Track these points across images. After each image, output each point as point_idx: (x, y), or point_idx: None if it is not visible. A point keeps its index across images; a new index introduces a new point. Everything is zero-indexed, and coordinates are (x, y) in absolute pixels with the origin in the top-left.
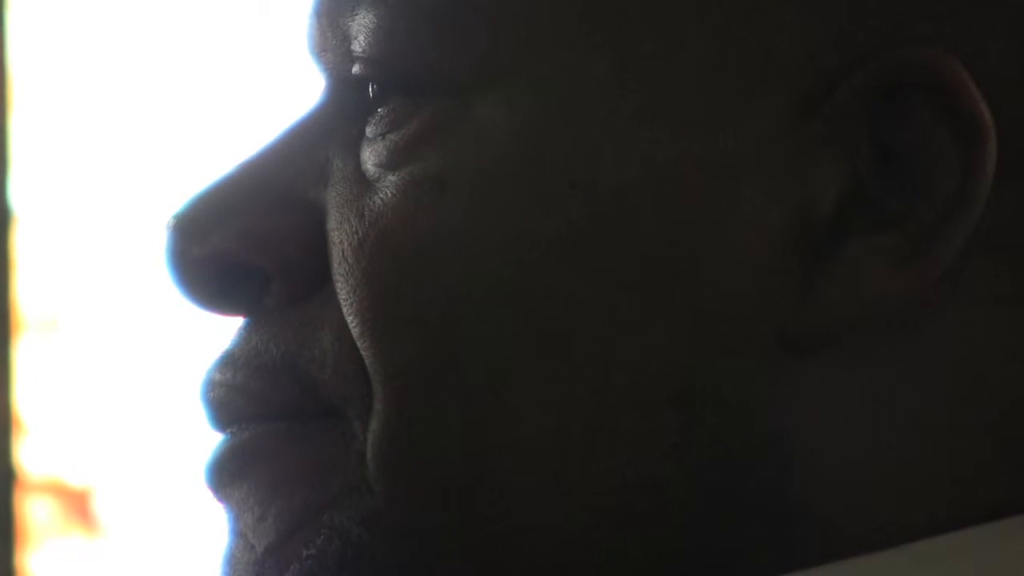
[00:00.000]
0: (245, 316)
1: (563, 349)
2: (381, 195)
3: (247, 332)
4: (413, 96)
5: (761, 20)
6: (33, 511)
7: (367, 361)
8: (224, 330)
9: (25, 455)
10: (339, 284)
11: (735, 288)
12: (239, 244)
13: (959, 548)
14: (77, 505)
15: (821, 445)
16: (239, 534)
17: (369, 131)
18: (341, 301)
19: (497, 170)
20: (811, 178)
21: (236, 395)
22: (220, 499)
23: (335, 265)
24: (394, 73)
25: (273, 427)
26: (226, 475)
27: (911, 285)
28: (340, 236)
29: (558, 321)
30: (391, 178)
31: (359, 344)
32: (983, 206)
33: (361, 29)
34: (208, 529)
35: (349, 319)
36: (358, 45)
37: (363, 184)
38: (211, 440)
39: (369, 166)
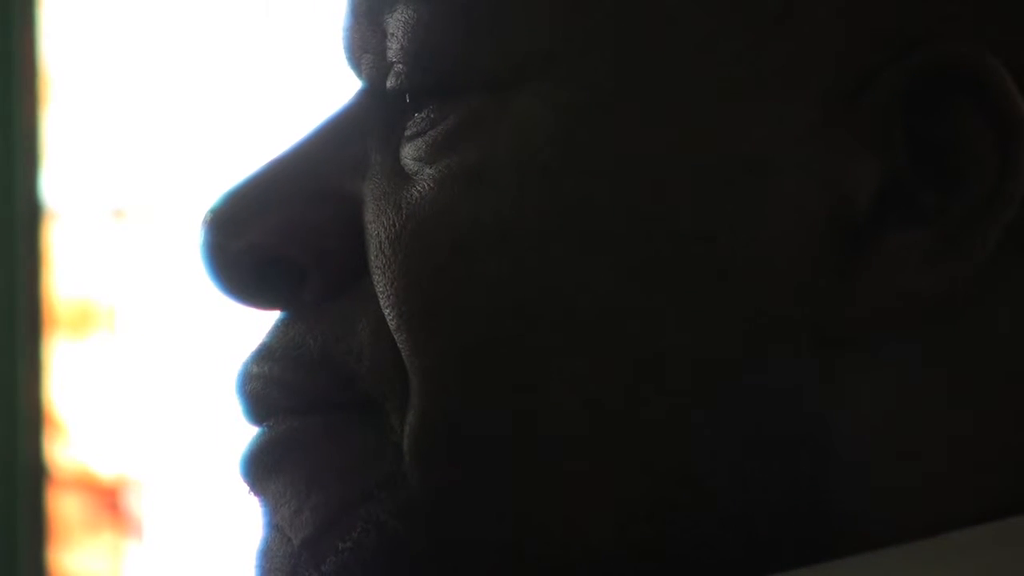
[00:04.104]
0: (282, 309)
1: (598, 343)
2: (419, 188)
3: (284, 325)
4: (451, 93)
5: (797, 16)
6: (64, 507)
7: (404, 354)
8: (261, 324)
9: (56, 451)
10: (376, 277)
11: (771, 283)
12: (276, 238)
13: (988, 541)
14: (108, 501)
15: (854, 440)
16: (275, 527)
17: (408, 131)
18: (378, 294)
19: (533, 164)
20: (848, 173)
21: (273, 388)
22: (256, 492)
23: (372, 258)
24: (432, 74)
25: (310, 420)
26: (262, 468)
27: (946, 281)
28: (377, 229)
29: (593, 315)
30: (428, 171)
31: (396, 337)
32: (1019, 203)
33: (400, 25)
34: (242, 524)
35: (386, 312)
36: (396, 42)
37: (401, 177)
38: (246, 433)
39: (408, 160)
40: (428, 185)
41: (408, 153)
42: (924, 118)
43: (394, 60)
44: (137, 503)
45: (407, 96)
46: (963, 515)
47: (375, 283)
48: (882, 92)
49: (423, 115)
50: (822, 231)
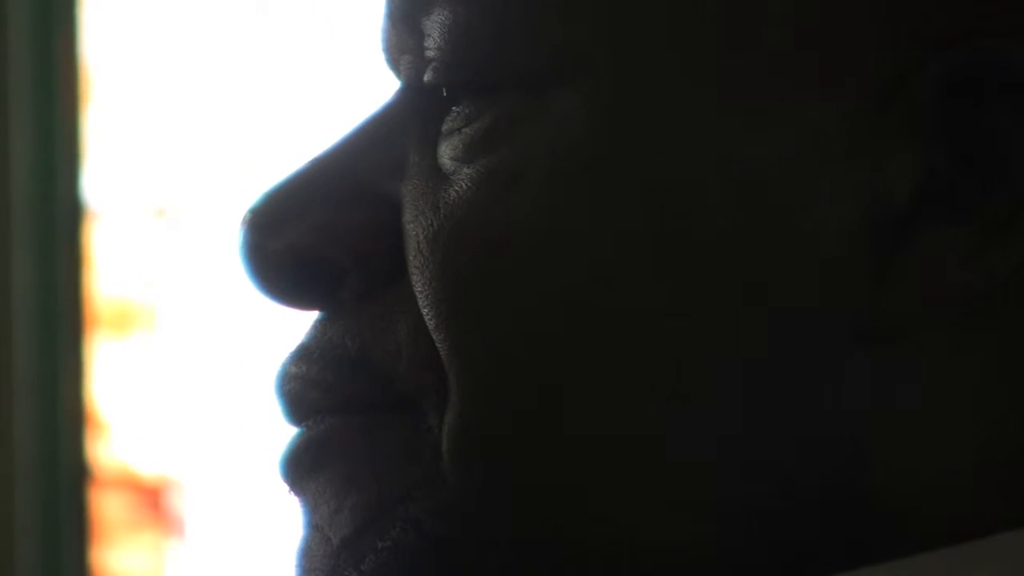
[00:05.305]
0: (320, 310)
1: (635, 343)
2: (456, 188)
3: (322, 325)
4: (488, 90)
5: (834, 12)
6: (107, 507)
7: (442, 353)
8: (300, 324)
9: (98, 451)
10: (415, 277)
11: (809, 282)
12: (315, 238)
13: None
14: (150, 500)
15: (894, 437)
16: (315, 527)
17: (445, 128)
18: (416, 294)
19: (570, 164)
20: (885, 170)
21: (311, 388)
22: (296, 492)
23: (410, 258)
24: (469, 70)
25: (348, 420)
26: (302, 468)
27: (984, 278)
28: (415, 229)
29: (630, 315)
30: (466, 171)
31: (434, 336)
32: None
33: (436, 26)
34: (282, 523)
35: (424, 311)
36: (433, 42)
37: (439, 177)
38: (286, 433)
39: (445, 160)
40: (465, 185)
41: (445, 152)
42: (962, 115)
43: (432, 58)
44: (179, 502)
45: (444, 91)
46: (1012, 514)
47: (413, 283)
48: (920, 89)
49: (460, 111)
50: (859, 228)
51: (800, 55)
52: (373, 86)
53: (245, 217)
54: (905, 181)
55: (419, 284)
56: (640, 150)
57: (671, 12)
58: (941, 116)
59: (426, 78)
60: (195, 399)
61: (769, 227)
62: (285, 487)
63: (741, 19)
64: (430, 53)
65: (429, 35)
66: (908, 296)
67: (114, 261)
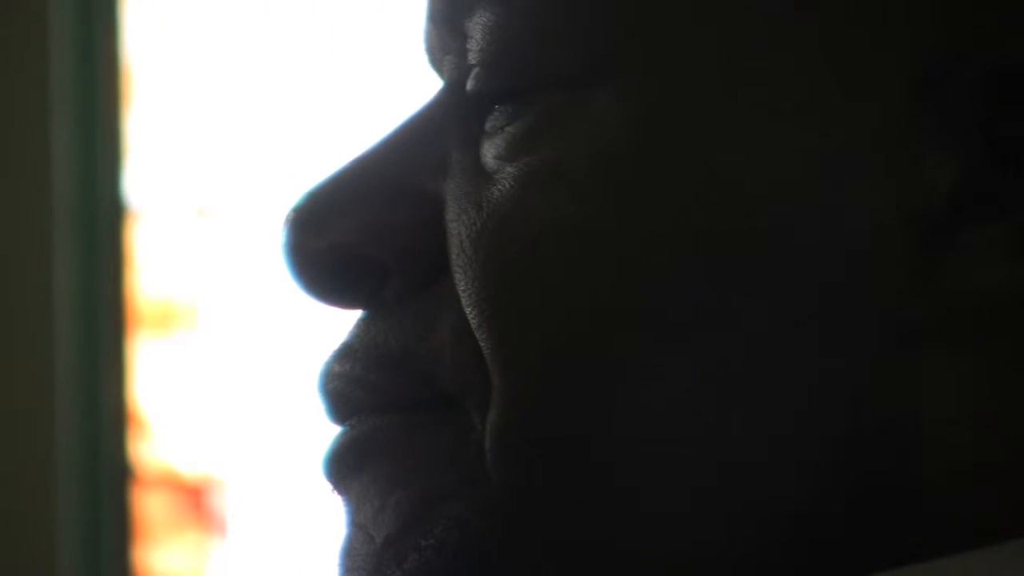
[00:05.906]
0: (363, 308)
1: (676, 341)
2: (499, 186)
3: (365, 324)
4: (530, 90)
5: (869, 11)
6: (149, 506)
7: (485, 352)
8: (343, 322)
9: (141, 450)
10: (457, 275)
11: (849, 282)
12: (358, 236)
13: None
14: (192, 500)
15: (938, 433)
16: (358, 526)
17: (488, 126)
18: (460, 292)
19: (610, 161)
20: (923, 169)
21: (354, 387)
22: (339, 491)
23: (453, 256)
24: (511, 69)
25: (392, 419)
26: (345, 467)
27: (1021, 276)
28: (458, 227)
29: (673, 314)
30: (509, 169)
31: (477, 335)
32: None
33: (478, 27)
34: (325, 522)
35: (467, 310)
36: (475, 44)
37: (482, 176)
38: (329, 432)
39: (488, 159)
40: (508, 184)
41: (488, 151)
42: (1001, 114)
43: (473, 62)
44: (221, 502)
45: (487, 96)
46: None
47: (456, 282)
48: (958, 87)
49: (502, 110)
50: (898, 226)
51: (836, 54)
52: (413, 85)
53: (288, 216)
54: (943, 179)
55: (462, 283)
56: (677, 149)
57: (705, 12)
58: (977, 116)
59: (469, 86)
60: (237, 398)
61: (807, 226)
62: (328, 486)
63: (775, 19)
64: (472, 58)
65: (471, 37)
66: (949, 295)
67: (156, 261)
